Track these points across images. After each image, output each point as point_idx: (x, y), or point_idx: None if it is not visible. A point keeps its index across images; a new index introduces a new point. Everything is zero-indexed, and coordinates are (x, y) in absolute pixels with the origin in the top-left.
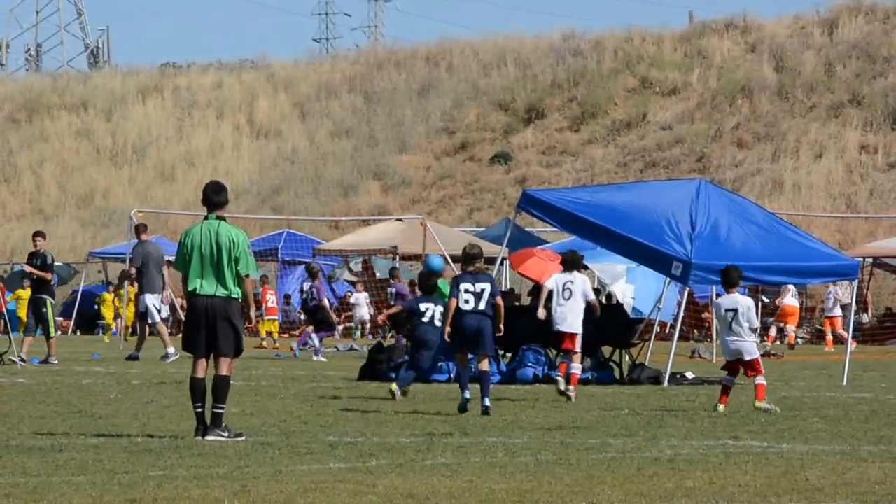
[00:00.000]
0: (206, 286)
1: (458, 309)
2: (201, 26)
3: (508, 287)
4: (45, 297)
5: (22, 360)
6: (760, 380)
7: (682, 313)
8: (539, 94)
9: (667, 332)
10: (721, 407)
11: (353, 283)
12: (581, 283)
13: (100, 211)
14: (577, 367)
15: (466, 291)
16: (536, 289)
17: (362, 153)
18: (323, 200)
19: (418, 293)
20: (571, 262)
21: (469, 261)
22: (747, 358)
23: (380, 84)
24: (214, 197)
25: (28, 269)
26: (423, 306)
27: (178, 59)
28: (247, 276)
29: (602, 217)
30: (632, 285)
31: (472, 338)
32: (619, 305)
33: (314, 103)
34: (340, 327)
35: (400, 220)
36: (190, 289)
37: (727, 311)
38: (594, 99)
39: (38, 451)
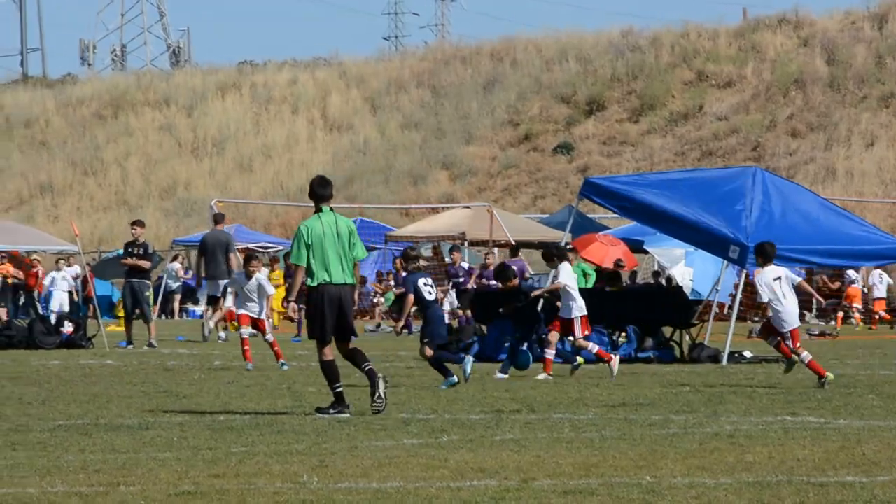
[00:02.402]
0: (337, 275)
1: (426, 300)
2: (277, 26)
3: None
4: (145, 282)
5: (151, 344)
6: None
7: (739, 295)
8: (599, 88)
9: (725, 312)
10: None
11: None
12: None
13: (182, 201)
14: (550, 353)
15: (426, 285)
16: (598, 273)
17: (431, 144)
18: (393, 189)
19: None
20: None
21: (412, 259)
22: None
23: (447, 79)
24: (322, 190)
25: (129, 262)
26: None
27: (255, 58)
28: (358, 261)
29: (661, 203)
30: (690, 268)
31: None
32: (679, 287)
33: (384, 98)
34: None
35: (467, 207)
36: (320, 280)
37: (775, 279)
38: (652, 91)
39: (127, 428)
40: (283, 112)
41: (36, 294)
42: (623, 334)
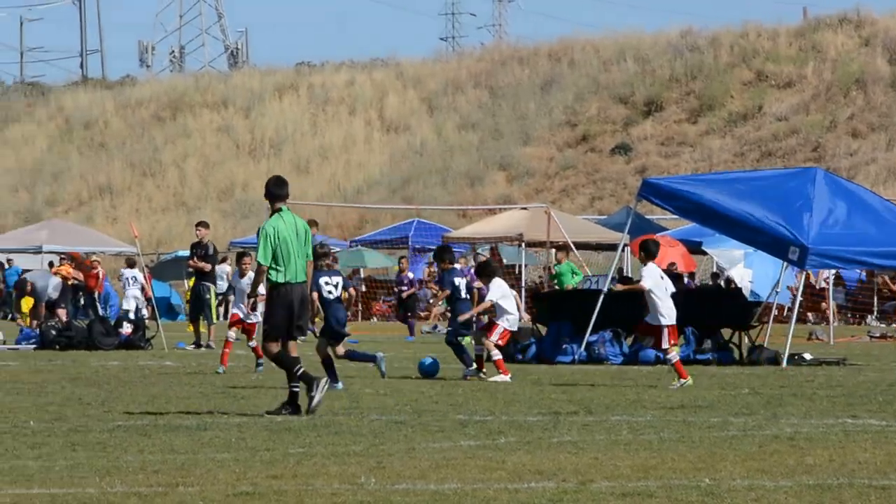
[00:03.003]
0: (300, 274)
1: (324, 298)
2: (334, 27)
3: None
4: (207, 284)
5: (209, 345)
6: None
7: (799, 297)
8: (658, 88)
9: (784, 314)
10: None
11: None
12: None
13: (239, 203)
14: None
15: (327, 283)
16: None
17: (488, 145)
18: (450, 190)
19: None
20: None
21: (320, 258)
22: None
23: (504, 80)
24: (279, 190)
25: (191, 264)
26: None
27: (313, 59)
28: (310, 260)
29: (720, 204)
30: (750, 270)
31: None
32: (738, 289)
33: (442, 99)
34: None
35: (525, 208)
36: (287, 279)
37: (661, 277)
38: (711, 92)
39: (185, 429)
40: (340, 113)
41: (96, 295)
42: (681, 336)
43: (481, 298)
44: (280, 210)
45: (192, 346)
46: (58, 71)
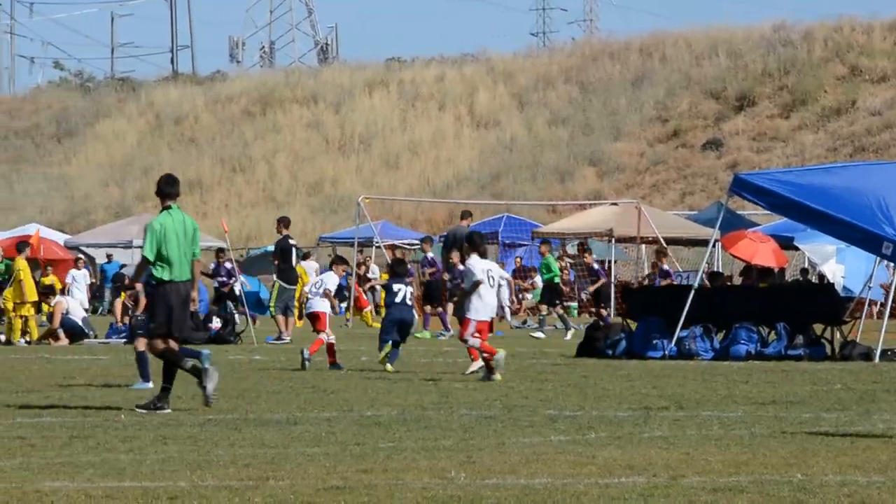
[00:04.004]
0: (185, 272)
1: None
2: (424, 22)
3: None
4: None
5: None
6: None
7: (892, 292)
8: (750, 83)
9: (877, 310)
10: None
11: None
12: (498, 268)
13: (329, 198)
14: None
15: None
16: (748, 269)
17: (578, 141)
18: (540, 186)
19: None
20: (475, 244)
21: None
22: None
23: (595, 75)
24: (169, 188)
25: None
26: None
27: (403, 54)
28: (197, 259)
29: (812, 199)
30: (842, 265)
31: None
32: (830, 284)
33: (532, 94)
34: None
35: (615, 204)
36: (171, 276)
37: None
38: (804, 87)
39: (275, 424)
40: (430, 109)
41: None
42: (773, 331)
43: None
44: (170, 207)
45: (278, 340)
46: (148, 66)
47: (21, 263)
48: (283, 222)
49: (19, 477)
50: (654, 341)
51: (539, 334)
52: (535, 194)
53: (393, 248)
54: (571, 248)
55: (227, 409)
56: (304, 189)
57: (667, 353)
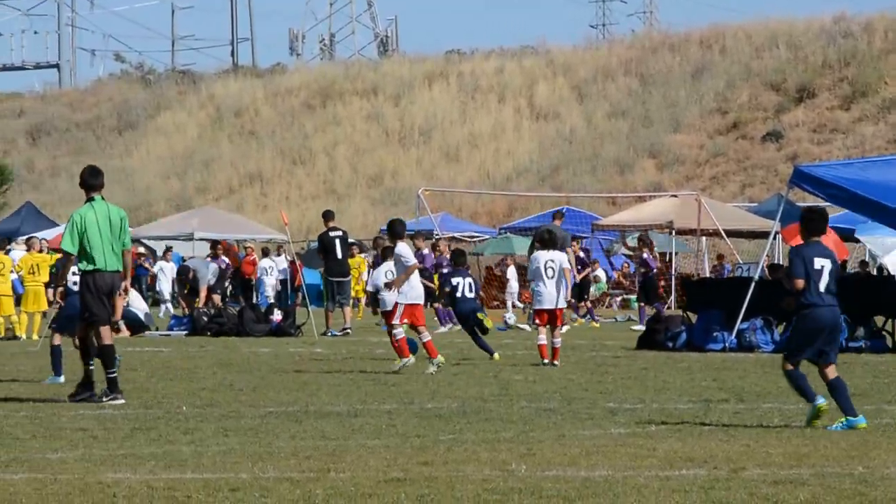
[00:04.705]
0: (111, 263)
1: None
2: (484, 15)
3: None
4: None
5: (347, 331)
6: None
7: None
8: (810, 75)
9: None
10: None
11: (630, 257)
12: (561, 260)
13: (389, 190)
14: (559, 341)
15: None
16: None
17: (638, 133)
18: (600, 178)
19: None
20: (549, 240)
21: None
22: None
23: (654, 67)
24: (93, 180)
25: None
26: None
27: (463, 47)
28: (127, 249)
29: (873, 191)
30: None
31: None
32: (890, 276)
33: (591, 86)
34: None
35: (675, 196)
36: (96, 266)
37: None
38: (864, 78)
39: (336, 416)
40: (489, 101)
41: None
42: None
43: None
44: (93, 199)
45: (340, 332)
46: (208, 59)
47: None
48: (325, 216)
49: (82, 468)
50: (715, 334)
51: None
52: (595, 186)
53: (454, 240)
54: (632, 241)
55: (288, 401)
56: (364, 181)
57: (727, 345)
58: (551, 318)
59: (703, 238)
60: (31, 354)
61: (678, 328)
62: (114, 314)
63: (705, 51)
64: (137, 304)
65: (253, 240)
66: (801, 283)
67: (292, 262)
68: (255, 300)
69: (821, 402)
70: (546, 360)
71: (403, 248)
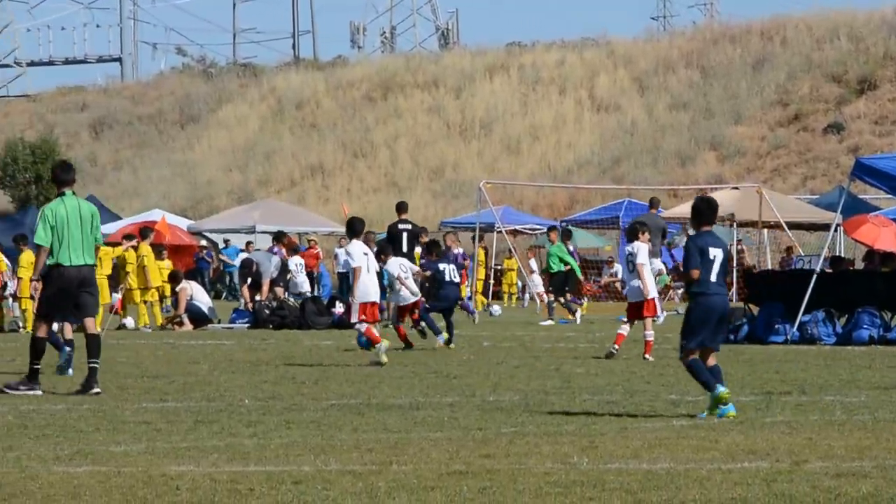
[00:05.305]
0: (76, 257)
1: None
2: (545, 7)
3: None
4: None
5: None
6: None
7: None
8: (871, 66)
9: None
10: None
11: None
12: (644, 252)
13: (450, 183)
14: (650, 334)
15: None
16: (870, 254)
17: (699, 125)
18: (661, 170)
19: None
20: (631, 231)
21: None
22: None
23: (715, 59)
24: (64, 175)
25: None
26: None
27: (523, 39)
28: (98, 244)
29: None
30: None
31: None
32: None
33: (652, 78)
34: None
35: (736, 188)
36: (61, 261)
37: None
38: None
39: (398, 408)
40: (550, 93)
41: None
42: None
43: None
44: (63, 194)
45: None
46: (270, 52)
47: (145, 249)
48: (398, 207)
49: (145, 461)
50: (777, 326)
51: (548, 322)
52: (656, 179)
53: (515, 233)
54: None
55: (350, 393)
56: (425, 174)
57: (789, 337)
58: (637, 311)
59: (765, 230)
60: None
61: (740, 321)
62: (87, 307)
63: (766, 43)
64: (201, 297)
65: (315, 232)
66: (696, 273)
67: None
68: (317, 293)
69: (721, 390)
70: (617, 347)
71: (351, 248)
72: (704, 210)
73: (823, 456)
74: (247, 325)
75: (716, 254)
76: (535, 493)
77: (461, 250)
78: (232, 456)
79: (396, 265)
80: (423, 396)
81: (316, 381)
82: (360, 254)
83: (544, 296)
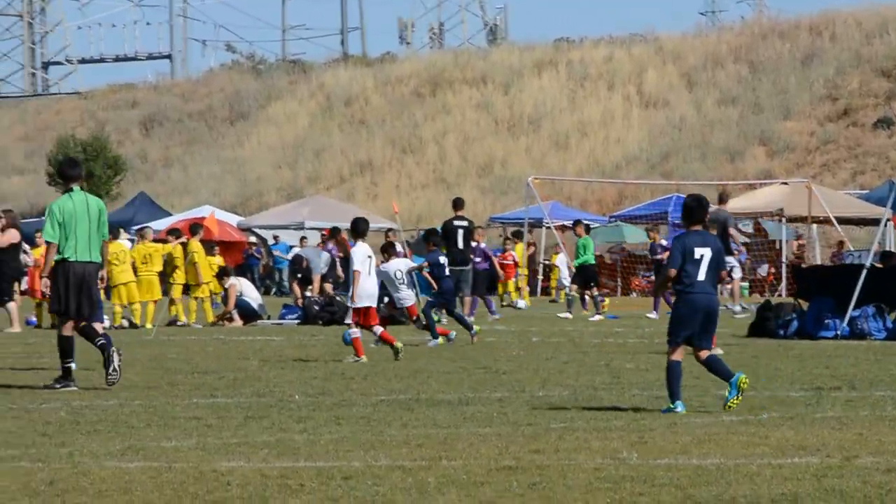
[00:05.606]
0: (83, 253)
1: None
2: (593, 2)
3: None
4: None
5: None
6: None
7: None
8: None
9: None
10: None
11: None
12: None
13: (498, 179)
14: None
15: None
16: None
17: (748, 120)
18: (710, 166)
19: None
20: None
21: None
22: None
23: (764, 54)
24: (71, 171)
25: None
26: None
27: (572, 35)
28: (105, 240)
29: None
30: None
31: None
32: None
33: (701, 73)
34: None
35: (785, 183)
36: (67, 256)
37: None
38: None
39: (447, 404)
40: (598, 89)
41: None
42: None
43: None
44: (72, 190)
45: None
46: (319, 48)
47: (195, 246)
48: (454, 204)
49: (196, 457)
50: (826, 321)
51: (567, 314)
52: (705, 174)
53: (563, 228)
54: (745, 228)
55: (399, 389)
56: (473, 170)
57: (839, 333)
58: None
59: (814, 225)
60: (145, 343)
61: (789, 316)
62: (82, 304)
63: (815, 37)
64: (250, 293)
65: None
66: (673, 272)
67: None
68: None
69: (679, 408)
70: None
71: (354, 250)
72: (695, 209)
73: (874, 451)
74: (296, 322)
75: (703, 253)
76: (585, 489)
77: (485, 244)
78: (282, 451)
79: (394, 269)
80: (472, 392)
81: (365, 377)
82: (363, 256)
83: (569, 289)
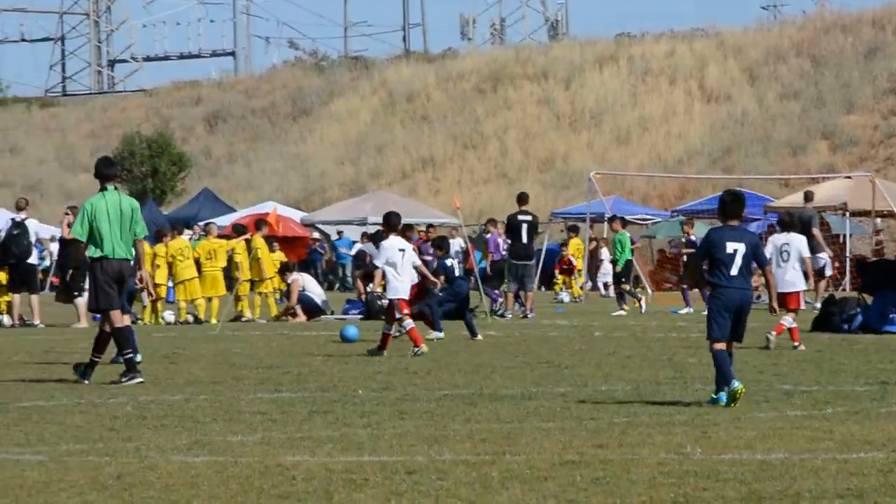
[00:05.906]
0: (119, 251)
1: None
2: None
3: None
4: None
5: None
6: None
7: None
8: None
9: None
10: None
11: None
12: (798, 244)
13: (560, 174)
14: (791, 321)
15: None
16: None
17: (810, 114)
18: (772, 160)
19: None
20: (788, 223)
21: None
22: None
23: (827, 48)
24: (106, 170)
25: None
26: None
27: (633, 29)
28: (139, 238)
29: None
30: None
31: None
32: None
33: (763, 68)
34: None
35: (849, 177)
36: (104, 253)
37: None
38: None
39: (510, 399)
40: (660, 84)
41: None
42: None
43: None
44: (106, 189)
45: (523, 316)
46: (380, 45)
47: (259, 241)
48: (519, 199)
49: (261, 451)
50: (891, 315)
51: (620, 312)
52: (767, 168)
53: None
54: None
55: (462, 384)
56: (535, 165)
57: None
58: (783, 302)
59: (878, 219)
60: (210, 338)
61: (853, 310)
62: (114, 300)
63: (878, 31)
64: (313, 288)
65: (429, 224)
66: (698, 266)
67: (465, 249)
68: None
69: (735, 385)
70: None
71: (385, 244)
72: (729, 203)
73: None
74: (360, 316)
75: (736, 248)
76: (649, 484)
77: (501, 238)
78: (346, 446)
79: (397, 247)
80: (535, 387)
81: (428, 372)
82: (394, 250)
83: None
